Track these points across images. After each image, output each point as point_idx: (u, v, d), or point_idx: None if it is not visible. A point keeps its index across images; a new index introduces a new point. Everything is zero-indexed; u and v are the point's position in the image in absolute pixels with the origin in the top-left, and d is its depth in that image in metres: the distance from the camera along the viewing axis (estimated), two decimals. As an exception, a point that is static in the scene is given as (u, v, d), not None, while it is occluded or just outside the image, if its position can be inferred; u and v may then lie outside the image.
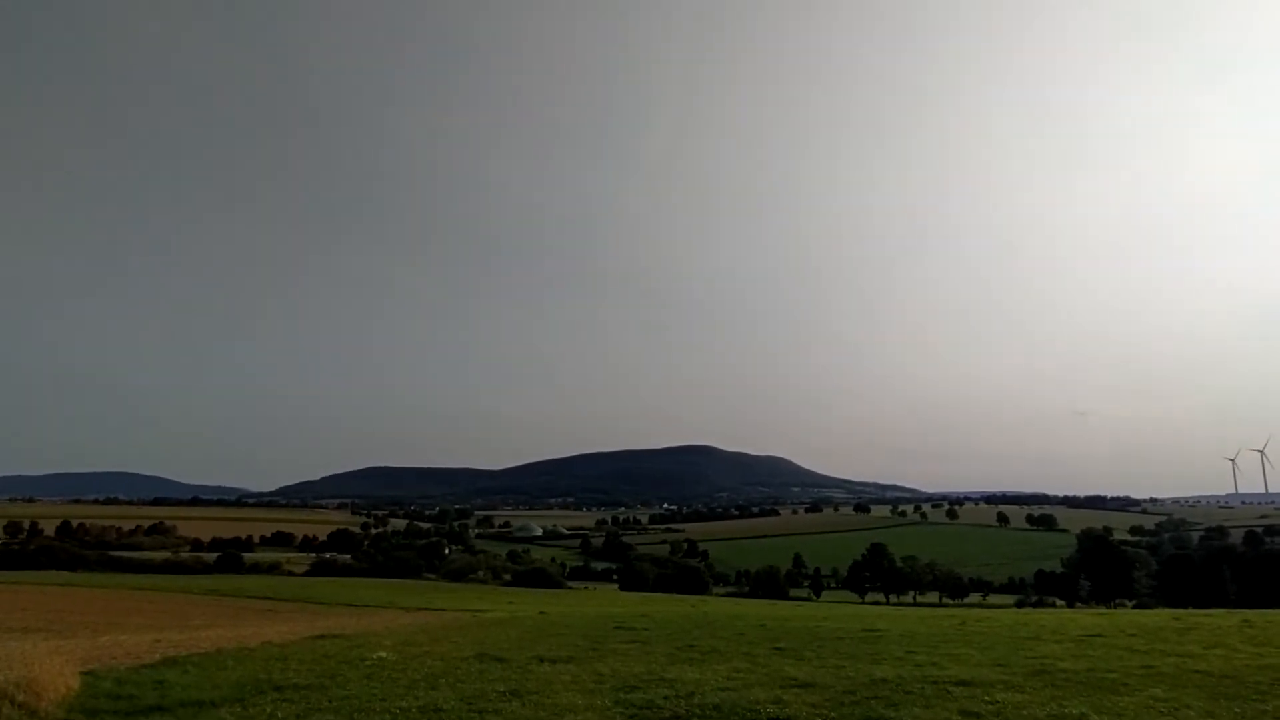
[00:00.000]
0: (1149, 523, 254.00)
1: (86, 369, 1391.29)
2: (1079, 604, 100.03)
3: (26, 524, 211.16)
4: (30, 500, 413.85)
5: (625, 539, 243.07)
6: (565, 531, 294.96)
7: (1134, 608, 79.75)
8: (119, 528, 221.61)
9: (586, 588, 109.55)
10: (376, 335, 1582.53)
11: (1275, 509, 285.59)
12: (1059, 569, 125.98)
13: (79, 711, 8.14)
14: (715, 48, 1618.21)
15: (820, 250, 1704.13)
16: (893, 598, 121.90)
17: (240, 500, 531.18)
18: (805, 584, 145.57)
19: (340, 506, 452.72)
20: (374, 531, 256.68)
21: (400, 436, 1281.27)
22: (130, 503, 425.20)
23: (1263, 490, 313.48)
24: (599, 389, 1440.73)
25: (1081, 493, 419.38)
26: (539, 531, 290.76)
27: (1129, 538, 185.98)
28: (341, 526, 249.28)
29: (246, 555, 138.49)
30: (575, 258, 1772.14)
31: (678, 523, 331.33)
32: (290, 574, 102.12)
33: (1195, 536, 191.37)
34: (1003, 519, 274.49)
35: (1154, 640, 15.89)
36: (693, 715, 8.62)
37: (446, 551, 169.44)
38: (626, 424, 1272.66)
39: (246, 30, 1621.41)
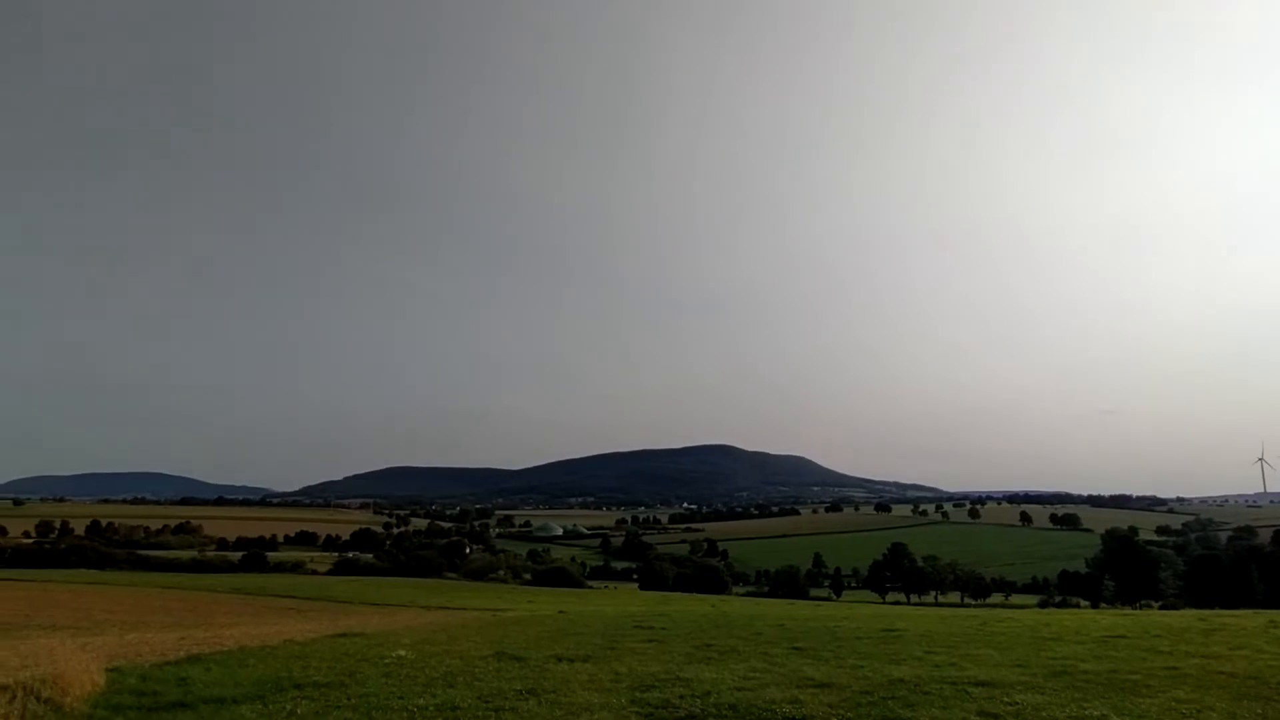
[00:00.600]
0: (1175, 522, 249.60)
1: (115, 373, 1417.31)
2: (1103, 605, 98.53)
3: (57, 523, 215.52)
4: (61, 500, 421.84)
5: (645, 538, 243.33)
6: (585, 531, 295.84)
7: (1160, 609, 78.44)
8: (147, 527, 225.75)
9: (606, 587, 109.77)
10: (398, 337, 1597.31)
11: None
12: (1083, 569, 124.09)
13: (103, 707, 8.28)
14: (733, 48, 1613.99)
15: (839, 249, 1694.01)
16: (914, 598, 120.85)
17: (265, 500, 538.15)
18: (825, 584, 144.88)
19: (363, 506, 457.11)
20: (396, 531, 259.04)
21: (422, 437, 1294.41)
22: (158, 502, 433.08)
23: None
24: (619, 389, 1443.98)
25: (1106, 492, 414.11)
26: (559, 531, 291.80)
27: (1155, 538, 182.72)
28: (364, 526, 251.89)
29: (271, 554, 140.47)
30: (594, 258, 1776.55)
31: (697, 522, 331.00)
32: (313, 573, 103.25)
33: (1223, 537, 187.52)
34: (1025, 518, 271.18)
35: (1178, 641, 15.61)
36: (708, 715, 8.61)
37: (467, 551, 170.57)
38: (646, 424, 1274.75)
39: (267, 33, 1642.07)
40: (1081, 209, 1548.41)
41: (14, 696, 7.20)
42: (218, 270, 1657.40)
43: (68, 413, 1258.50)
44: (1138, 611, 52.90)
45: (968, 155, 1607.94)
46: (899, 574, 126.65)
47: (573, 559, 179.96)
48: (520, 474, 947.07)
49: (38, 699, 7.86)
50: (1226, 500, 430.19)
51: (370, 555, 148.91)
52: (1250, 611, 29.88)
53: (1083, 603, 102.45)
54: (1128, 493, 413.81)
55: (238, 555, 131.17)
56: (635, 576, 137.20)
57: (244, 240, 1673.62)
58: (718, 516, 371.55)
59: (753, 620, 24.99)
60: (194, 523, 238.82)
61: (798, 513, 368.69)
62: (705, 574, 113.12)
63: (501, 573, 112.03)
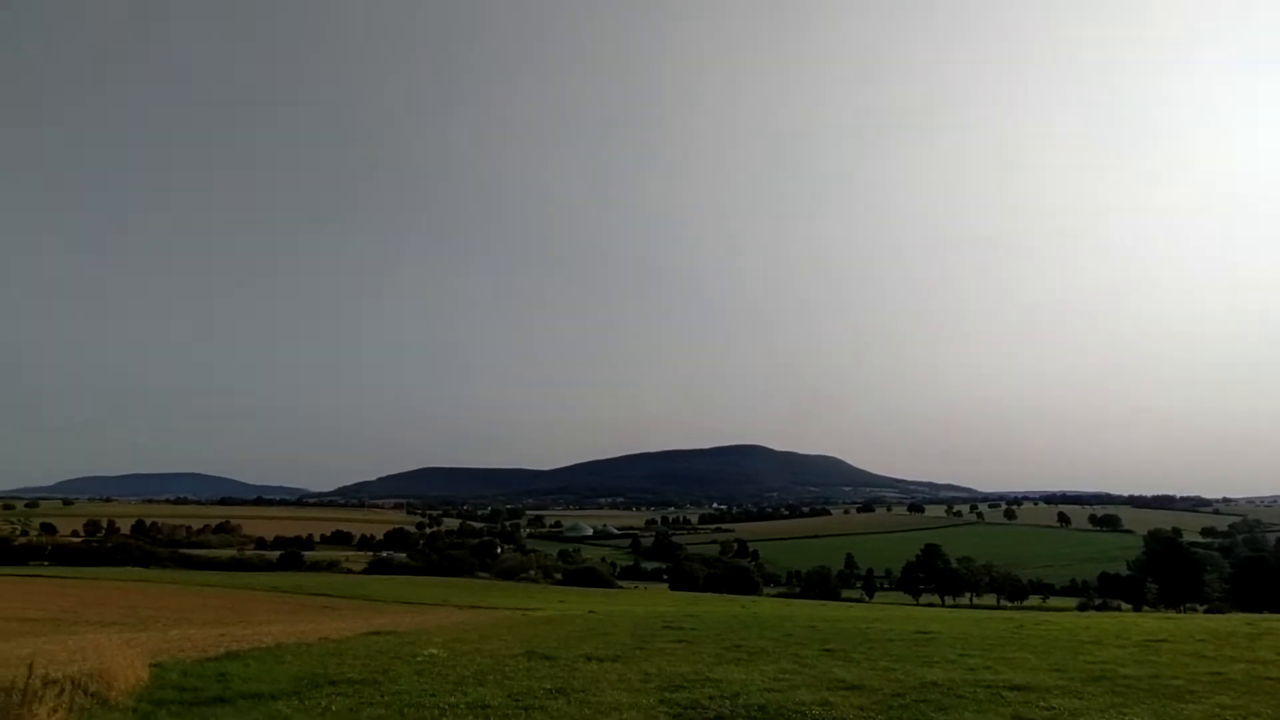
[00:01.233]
0: (1221, 523, 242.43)
1: (159, 376, 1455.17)
2: (1145, 608, 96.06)
3: (104, 522, 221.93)
4: (108, 500, 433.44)
5: (675, 539, 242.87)
6: (615, 531, 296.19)
7: (1205, 612, 76.25)
8: (189, 526, 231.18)
9: (636, 587, 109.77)
10: (431, 341, 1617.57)
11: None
12: (1124, 571, 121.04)
13: (147, 701, 8.52)
14: (759, 48, 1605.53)
15: (873, 247, 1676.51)
16: (948, 600, 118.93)
17: (301, 500, 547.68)
18: (857, 585, 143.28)
19: (396, 506, 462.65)
20: (428, 531, 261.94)
21: (454, 438, 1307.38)
22: (199, 502, 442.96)
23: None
24: (649, 389, 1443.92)
25: (1148, 492, 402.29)
26: (589, 531, 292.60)
27: (1200, 539, 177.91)
28: (397, 526, 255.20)
29: (307, 553, 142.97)
30: (628, 260, 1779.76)
31: (727, 522, 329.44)
32: (348, 572, 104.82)
33: (1271, 538, 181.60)
34: (1064, 519, 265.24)
35: (1223, 646, 15.16)
36: (737, 716, 8.58)
37: (499, 551, 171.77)
38: (676, 424, 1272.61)
39: (306, 42, 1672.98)
40: (1121, 202, 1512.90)
41: (63, 690, 7.45)
42: (258, 276, 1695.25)
43: (114, 415, 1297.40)
44: (1181, 615, 51.43)
45: (1002, 149, 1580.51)
46: (933, 575, 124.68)
47: (603, 559, 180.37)
48: (551, 474, 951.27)
49: (85, 692, 8.11)
50: (1275, 500, 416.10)
51: (404, 555, 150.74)
52: (1300, 616, 28.94)
53: (1124, 606, 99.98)
54: (1171, 493, 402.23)
55: (275, 554, 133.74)
56: (665, 577, 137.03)
57: (283, 246, 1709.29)
58: (748, 517, 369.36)
59: (783, 621, 24.84)
60: (233, 522, 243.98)
61: (829, 513, 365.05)
62: (735, 575, 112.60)
63: (532, 572, 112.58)
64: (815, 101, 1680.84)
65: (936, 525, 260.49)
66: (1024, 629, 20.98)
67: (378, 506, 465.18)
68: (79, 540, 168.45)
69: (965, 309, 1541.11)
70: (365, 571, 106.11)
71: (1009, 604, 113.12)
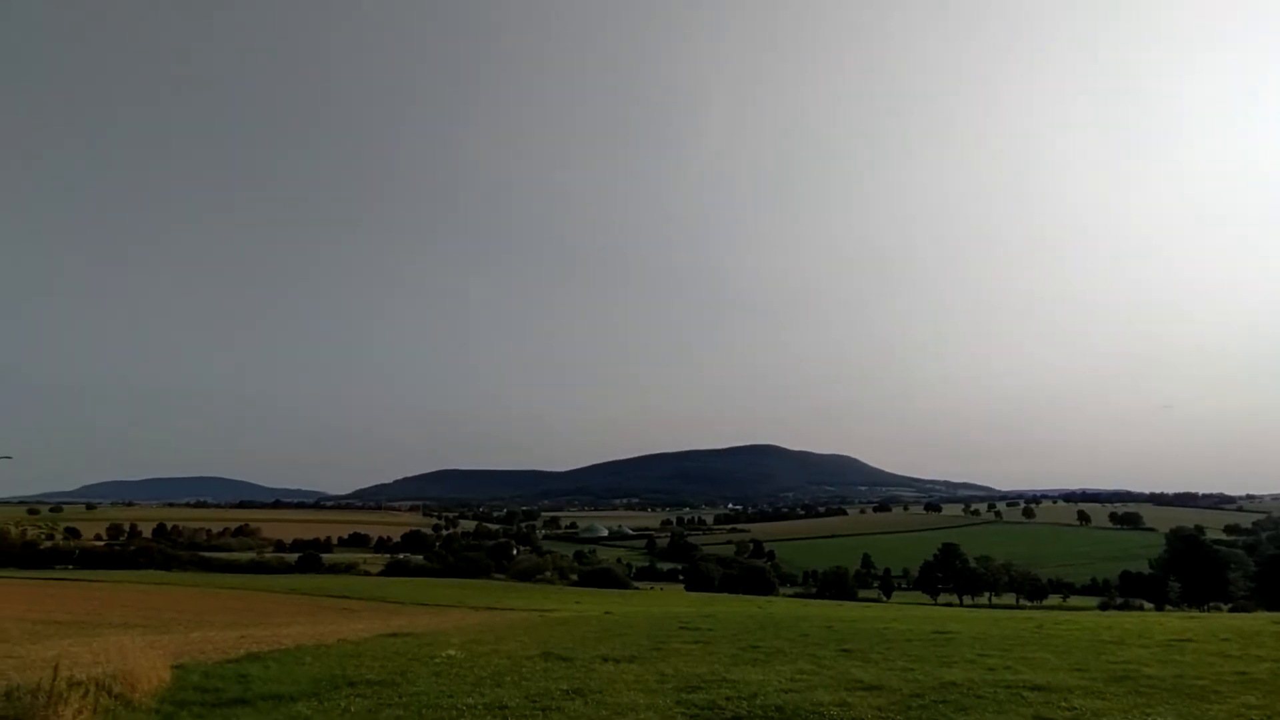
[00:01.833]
0: (1245, 521, 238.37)
1: (178, 382, 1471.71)
2: (1168, 607, 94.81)
3: (126, 526, 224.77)
4: (129, 504, 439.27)
5: (690, 539, 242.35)
6: (630, 532, 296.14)
7: (1229, 611, 75.11)
8: (208, 530, 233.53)
9: (652, 588, 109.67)
10: (446, 343, 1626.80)
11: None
12: (1146, 570, 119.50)
13: (169, 702, 8.62)
14: (779, 45, 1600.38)
15: (888, 246, 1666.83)
16: (966, 599, 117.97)
17: (319, 503, 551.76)
18: (875, 585, 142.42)
19: (412, 508, 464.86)
20: (445, 533, 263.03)
21: (469, 440, 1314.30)
22: (218, 506, 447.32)
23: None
24: (663, 390, 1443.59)
25: (1169, 490, 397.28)
26: (604, 532, 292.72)
27: (1223, 537, 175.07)
28: (414, 528, 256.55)
29: (325, 556, 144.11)
30: (640, 260, 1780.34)
31: (743, 523, 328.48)
32: (366, 574, 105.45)
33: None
34: (1084, 517, 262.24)
35: (1249, 645, 14.91)
36: (754, 716, 8.55)
37: (514, 552, 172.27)
38: (690, 424, 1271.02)
39: (327, 46, 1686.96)
40: (1141, 199, 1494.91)
41: (87, 691, 7.55)
42: (274, 281, 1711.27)
43: (134, 421, 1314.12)
44: (1205, 614, 50.70)
45: (1019, 144, 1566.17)
46: (951, 575, 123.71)
47: (618, 560, 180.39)
48: (565, 475, 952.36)
49: (109, 694, 8.22)
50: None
51: (420, 556, 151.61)
52: (1328, 614, 28.43)
53: (1146, 605, 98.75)
54: (1193, 490, 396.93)
55: (294, 557, 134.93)
56: (681, 577, 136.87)
57: (300, 250, 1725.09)
58: (763, 517, 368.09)
59: (800, 621, 24.73)
60: (252, 525, 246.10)
61: (845, 513, 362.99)
62: (751, 575, 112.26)
63: (548, 574, 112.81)
64: (830, 98, 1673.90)
65: (954, 524, 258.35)
66: (1044, 629, 20.75)
67: (394, 509, 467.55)
68: (102, 544, 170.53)
69: (982, 305, 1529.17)
70: (382, 573, 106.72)
71: (1028, 603, 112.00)
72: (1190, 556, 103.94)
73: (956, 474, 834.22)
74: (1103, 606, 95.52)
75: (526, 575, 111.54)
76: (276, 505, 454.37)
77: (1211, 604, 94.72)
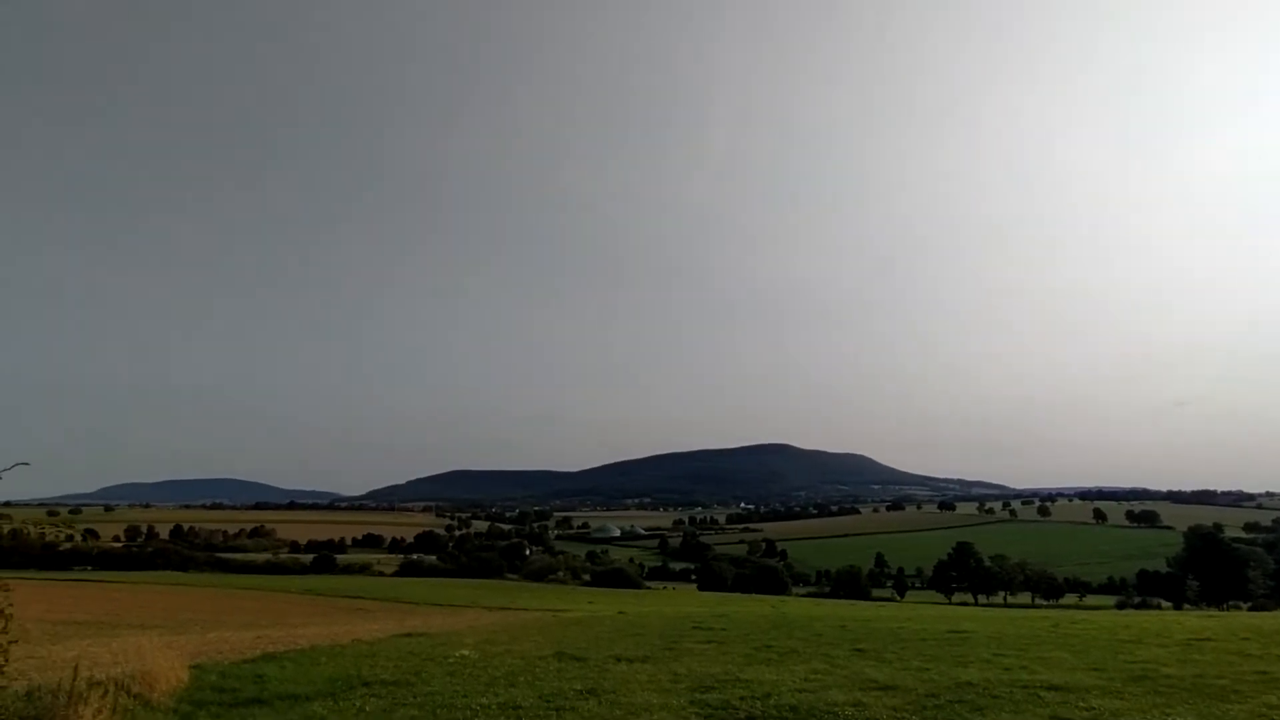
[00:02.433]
0: (1265, 519, 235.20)
1: (193, 385, 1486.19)
2: (1187, 606, 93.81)
3: (144, 528, 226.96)
4: (147, 506, 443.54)
5: (703, 539, 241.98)
6: (643, 532, 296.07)
7: (1249, 610, 74.20)
8: (224, 531, 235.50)
9: (665, 588, 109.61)
10: (458, 345, 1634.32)
11: None
12: (1164, 569, 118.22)
13: (187, 702, 8.69)
14: (776, 45, 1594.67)
15: (893, 244, 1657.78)
16: (981, 599, 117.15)
17: (333, 504, 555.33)
18: (888, 584, 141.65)
19: (426, 509, 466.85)
20: (458, 533, 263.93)
21: (481, 441, 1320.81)
22: (234, 507, 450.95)
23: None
24: (674, 390, 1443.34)
25: (1187, 487, 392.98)
26: (617, 532, 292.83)
27: (1242, 535, 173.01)
28: (427, 528, 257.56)
29: (339, 556, 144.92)
30: (647, 260, 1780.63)
31: (755, 522, 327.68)
32: (380, 574, 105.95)
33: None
34: (1100, 516, 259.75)
35: (1269, 644, 14.72)
36: (769, 716, 8.51)
37: (527, 552, 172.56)
38: (702, 424, 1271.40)
39: (320, 46, 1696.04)
40: (1153, 194, 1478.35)
41: (107, 691, 7.63)
42: (287, 284, 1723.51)
43: (150, 424, 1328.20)
44: (1225, 613, 50.14)
45: (1029, 142, 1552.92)
46: (965, 574, 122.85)
47: (631, 560, 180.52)
48: (578, 476, 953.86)
49: (128, 694, 8.30)
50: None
51: (434, 557, 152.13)
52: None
53: (1164, 604, 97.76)
54: (1211, 488, 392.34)
55: (309, 558, 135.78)
56: (693, 577, 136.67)
57: (312, 253, 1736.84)
58: (775, 516, 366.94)
59: (813, 621, 24.63)
60: (267, 526, 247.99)
61: (858, 512, 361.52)
62: (764, 574, 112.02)
63: (561, 574, 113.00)
64: (837, 95, 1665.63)
65: (968, 523, 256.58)
66: (1061, 628, 20.58)
67: (407, 510, 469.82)
68: (120, 545, 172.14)
69: (994, 303, 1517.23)
70: (396, 574, 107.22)
71: (1044, 603, 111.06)
72: (1209, 555, 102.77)
73: (970, 472, 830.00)
74: (1120, 606, 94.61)
75: (539, 575, 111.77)
76: (291, 506, 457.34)
77: (1231, 603, 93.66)
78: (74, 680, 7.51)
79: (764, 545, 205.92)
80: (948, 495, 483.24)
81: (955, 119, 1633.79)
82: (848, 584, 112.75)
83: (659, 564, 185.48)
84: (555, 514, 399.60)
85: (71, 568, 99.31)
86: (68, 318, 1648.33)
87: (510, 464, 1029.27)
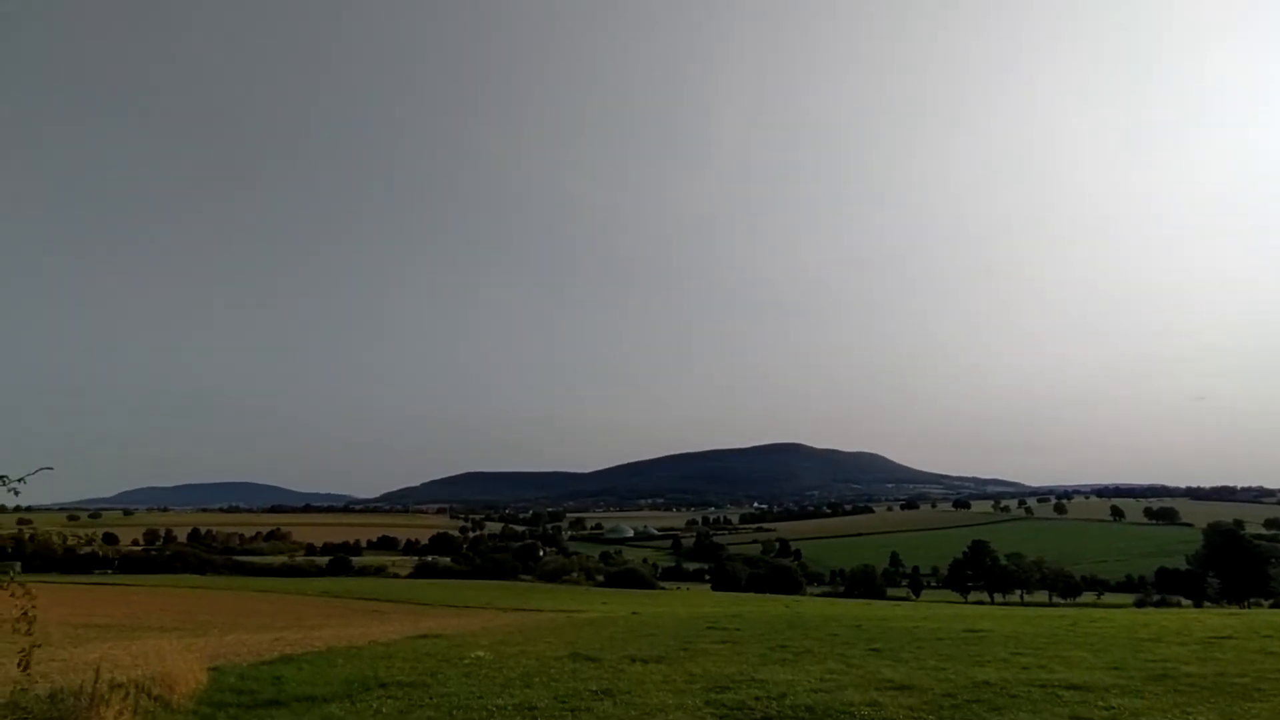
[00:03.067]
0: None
1: (209, 390, 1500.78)
2: (1207, 604, 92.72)
3: (162, 531, 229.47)
4: (165, 510, 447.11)
5: (716, 539, 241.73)
6: (656, 532, 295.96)
7: (1270, 607, 73.21)
8: (241, 534, 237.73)
9: (679, 588, 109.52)
10: (471, 347, 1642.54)
11: None
12: (1183, 566, 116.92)
13: (206, 704, 8.76)
14: (787, 42, 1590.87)
15: (904, 242, 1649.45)
16: (997, 598, 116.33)
17: (348, 507, 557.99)
18: (903, 583, 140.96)
19: (440, 511, 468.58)
20: (472, 535, 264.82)
21: (495, 443, 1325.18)
22: (250, 510, 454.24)
23: None
24: (686, 389, 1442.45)
25: (1206, 484, 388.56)
26: (630, 533, 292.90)
27: (1263, 531, 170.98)
28: (441, 530, 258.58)
29: (354, 559, 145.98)
30: (660, 260, 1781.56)
31: (768, 522, 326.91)
32: (395, 576, 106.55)
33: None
34: (1117, 513, 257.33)
35: (1293, 642, 14.53)
36: (784, 717, 8.47)
37: (541, 553, 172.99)
38: (714, 424, 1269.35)
39: (329, 47, 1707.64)
40: (1169, 188, 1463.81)
41: (128, 694, 7.71)
42: (303, 289, 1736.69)
43: (168, 428, 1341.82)
44: (1246, 611, 49.41)
45: (1036, 138, 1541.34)
46: (981, 573, 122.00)
47: (644, 560, 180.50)
48: (590, 476, 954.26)
49: (149, 696, 8.38)
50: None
51: (448, 559, 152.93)
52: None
53: (1184, 602, 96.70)
54: (1230, 484, 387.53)
55: (324, 560, 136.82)
56: (707, 577, 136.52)
57: (327, 257, 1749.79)
58: (789, 516, 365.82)
59: (828, 621, 24.53)
60: (283, 529, 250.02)
61: (872, 511, 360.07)
62: (778, 574, 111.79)
63: (574, 575, 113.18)
64: (845, 95, 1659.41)
65: (983, 521, 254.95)
66: (1079, 626, 20.39)
67: (422, 512, 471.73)
68: (139, 549, 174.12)
69: (1007, 300, 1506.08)
70: (411, 576, 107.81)
71: (1062, 601, 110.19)
72: (1229, 551, 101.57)
73: (985, 470, 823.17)
74: (1139, 604, 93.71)
75: (553, 576, 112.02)
76: (307, 509, 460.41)
77: (1252, 600, 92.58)
78: (96, 682, 7.61)
79: (778, 545, 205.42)
80: (962, 493, 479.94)
81: (963, 115, 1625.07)
82: (862, 583, 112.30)
83: (672, 564, 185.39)
84: (568, 515, 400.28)
85: (92, 571, 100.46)
86: (89, 324, 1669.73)
87: (523, 465, 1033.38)
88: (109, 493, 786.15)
